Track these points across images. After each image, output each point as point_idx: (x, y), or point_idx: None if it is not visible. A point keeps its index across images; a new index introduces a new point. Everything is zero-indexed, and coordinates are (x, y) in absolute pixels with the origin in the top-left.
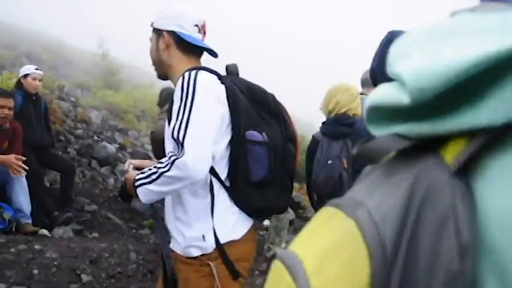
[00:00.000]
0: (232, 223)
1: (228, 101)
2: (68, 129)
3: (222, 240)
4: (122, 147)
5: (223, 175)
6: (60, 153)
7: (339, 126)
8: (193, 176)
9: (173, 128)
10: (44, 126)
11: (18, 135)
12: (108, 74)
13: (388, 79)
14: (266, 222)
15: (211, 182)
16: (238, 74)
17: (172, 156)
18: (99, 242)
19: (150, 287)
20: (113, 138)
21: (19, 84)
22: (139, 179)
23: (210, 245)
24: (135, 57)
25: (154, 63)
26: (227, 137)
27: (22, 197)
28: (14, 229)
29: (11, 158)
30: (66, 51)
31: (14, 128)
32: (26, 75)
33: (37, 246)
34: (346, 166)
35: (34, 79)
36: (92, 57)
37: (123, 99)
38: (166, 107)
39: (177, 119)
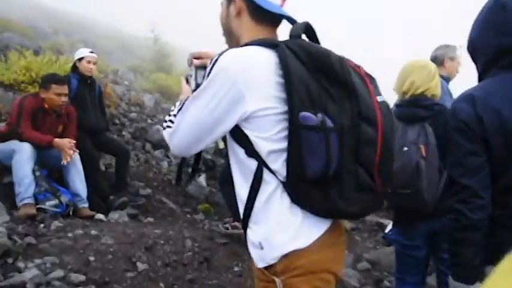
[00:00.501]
0: (295, 228)
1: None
2: (122, 113)
3: (284, 250)
4: None
5: (282, 172)
6: (115, 136)
7: (416, 108)
8: (173, 151)
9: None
10: (98, 110)
11: (73, 119)
12: (160, 58)
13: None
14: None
15: (265, 178)
16: (299, 36)
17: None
18: (154, 228)
19: (207, 276)
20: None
21: (74, 67)
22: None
23: (269, 255)
24: (186, 40)
25: (224, 33)
26: (282, 124)
27: (78, 181)
28: (71, 213)
29: (65, 142)
30: (119, 37)
31: (68, 112)
32: (80, 59)
33: (93, 232)
34: (424, 154)
35: (88, 62)
36: (145, 41)
37: (175, 82)
38: None
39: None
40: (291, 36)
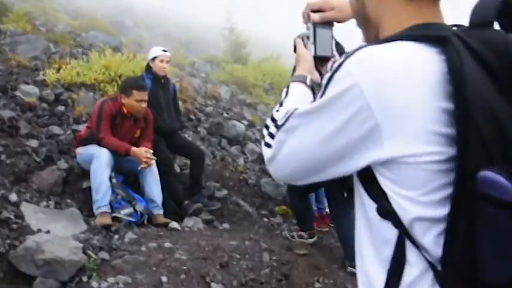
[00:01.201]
0: None
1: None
2: (198, 107)
3: None
4: (251, 125)
5: (435, 251)
6: (191, 133)
7: None
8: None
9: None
10: (172, 110)
11: (150, 122)
12: (236, 48)
13: None
14: None
15: (408, 258)
16: (490, 23)
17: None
18: (229, 237)
19: None
20: (242, 114)
21: (148, 67)
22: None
23: None
24: (262, 29)
25: (358, 23)
26: (442, 178)
27: (154, 186)
28: (145, 221)
29: (142, 151)
30: (197, 27)
31: (145, 116)
32: (153, 58)
33: (167, 244)
34: None
35: (162, 61)
36: (220, 31)
37: (251, 73)
38: None
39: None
40: (472, 23)
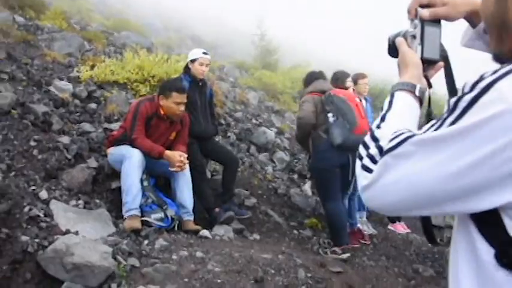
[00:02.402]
0: None
1: None
2: (228, 112)
3: None
4: (279, 132)
5: None
6: (221, 137)
7: None
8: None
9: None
10: (208, 114)
11: (186, 125)
12: (266, 54)
13: None
14: None
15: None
16: None
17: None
18: (261, 250)
19: None
20: (270, 121)
21: (186, 69)
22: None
23: None
24: (293, 35)
25: (489, 29)
26: None
27: (186, 191)
28: (176, 227)
29: (176, 155)
30: (226, 32)
31: (182, 118)
32: (193, 60)
33: (199, 253)
34: None
35: (201, 64)
36: (251, 37)
37: (280, 80)
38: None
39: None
40: None
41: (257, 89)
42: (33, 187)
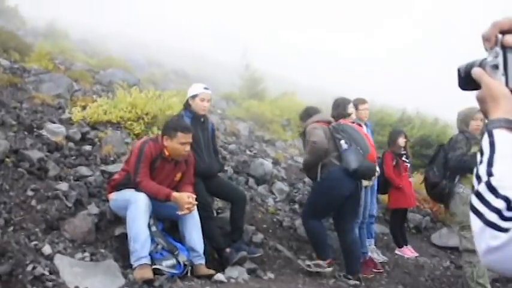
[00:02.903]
0: None
1: None
2: (221, 145)
3: None
4: (275, 162)
5: None
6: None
7: None
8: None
9: None
10: (211, 151)
11: (191, 164)
12: (252, 84)
13: None
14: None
15: None
16: None
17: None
18: None
19: None
20: (264, 151)
21: (187, 105)
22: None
23: None
24: (276, 65)
25: None
26: None
27: (196, 234)
28: (189, 273)
29: (184, 197)
30: (209, 64)
31: (187, 158)
32: (194, 96)
33: None
34: None
35: (203, 100)
36: (235, 68)
37: (268, 109)
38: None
39: None
40: None
41: (246, 120)
42: (35, 242)
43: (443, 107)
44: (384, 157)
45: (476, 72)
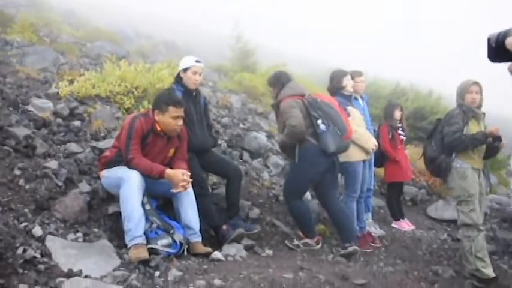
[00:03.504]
0: None
1: None
2: (214, 118)
3: None
4: (269, 135)
5: None
6: None
7: None
8: None
9: None
10: (204, 125)
11: (184, 139)
12: (244, 56)
13: None
14: None
15: None
16: None
17: None
18: (278, 268)
19: None
20: (258, 124)
21: (178, 78)
22: None
23: None
24: (268, 37)
25: None
26: None
27: (191, 211)
28: (185, 252)
29: (178, 174)
30: (200, 36)
31: (179, 132)
32: (185, 69)
33: (217, 282)
34: None
35: (195, 73)
36: (226, 40)
37: (260, 82)
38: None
39: None
40: None
41: (239, 92)
42: (25, 223)
43: (437, 79)
44: (380, 130)
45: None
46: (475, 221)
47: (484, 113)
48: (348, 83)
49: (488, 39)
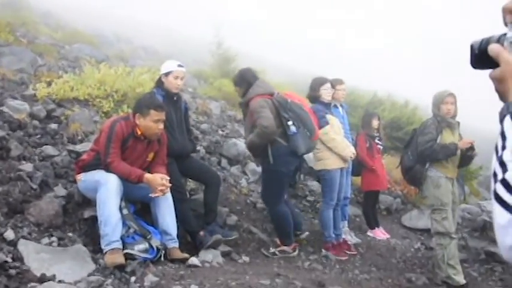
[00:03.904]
0: None
1: None
2: (193, 125)
3: None
4: None
5: None
6: None
7: None
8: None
9: None
10: (185, 130)
11: (164, 144)
12: (224, 63)
13: None
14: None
15: None
16: None
17: None
18: (255, 274)
19: None
20: (237, 131)
21: (160, 82)
22: None
23: None
24: (249, 44)
25: None
26: None
27: (169, 216)
28: (162, 258)
29: (157, 179)
30: (180, 41)
31: (159, 137)
32: (167, 73)
33: (193, 287)
34: None
35: (176, 78)
36: (206, 46)
37: None
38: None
39: None
40: None
41: (218, 99)
42: None
43: (413, 89)
44: (358, 139)
45: (494, 48)
46: (447, 229)
47: (458, 122)
48: (323, 92)
49: (472, 46)
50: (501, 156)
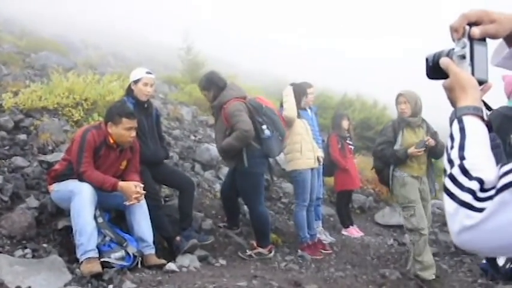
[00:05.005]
0: None
1: None
2: (165, 131)
3: None
4: None
5: None
6: None
7: None
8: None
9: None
10: (157, 137)
11: (136, 151)
12: (194, 68)
13: None
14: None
15: None
16: None
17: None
18: (232, 277)
19: None
20: (209, 136)
21: (129, 90)
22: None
23: None
24: (219, 49)
25: None
26: None
27: (144, 223)
28: (139, 265)
29: (131, 186)
30: (150, 47)
31: (131, 145)
32: (136, 81)
33: None
34: None
35: (146, 85)
36: (176, 51)
37: None
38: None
39: None
40: None
41: (189, 104)
42: None
43: (382, 89)
44: (330, 140)
45: (444, 61)
46: (415, 226)
47: (423, 120)
48: (310, 96)
49: (426, 59)
50: (450, 154)
